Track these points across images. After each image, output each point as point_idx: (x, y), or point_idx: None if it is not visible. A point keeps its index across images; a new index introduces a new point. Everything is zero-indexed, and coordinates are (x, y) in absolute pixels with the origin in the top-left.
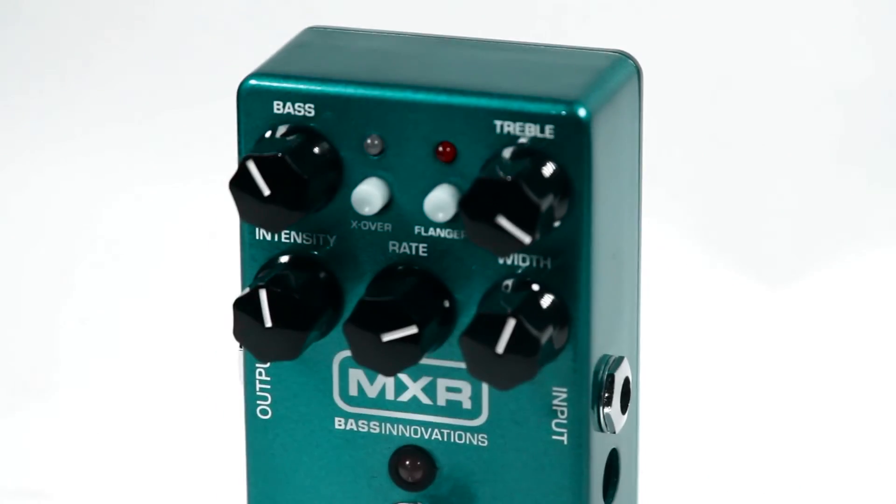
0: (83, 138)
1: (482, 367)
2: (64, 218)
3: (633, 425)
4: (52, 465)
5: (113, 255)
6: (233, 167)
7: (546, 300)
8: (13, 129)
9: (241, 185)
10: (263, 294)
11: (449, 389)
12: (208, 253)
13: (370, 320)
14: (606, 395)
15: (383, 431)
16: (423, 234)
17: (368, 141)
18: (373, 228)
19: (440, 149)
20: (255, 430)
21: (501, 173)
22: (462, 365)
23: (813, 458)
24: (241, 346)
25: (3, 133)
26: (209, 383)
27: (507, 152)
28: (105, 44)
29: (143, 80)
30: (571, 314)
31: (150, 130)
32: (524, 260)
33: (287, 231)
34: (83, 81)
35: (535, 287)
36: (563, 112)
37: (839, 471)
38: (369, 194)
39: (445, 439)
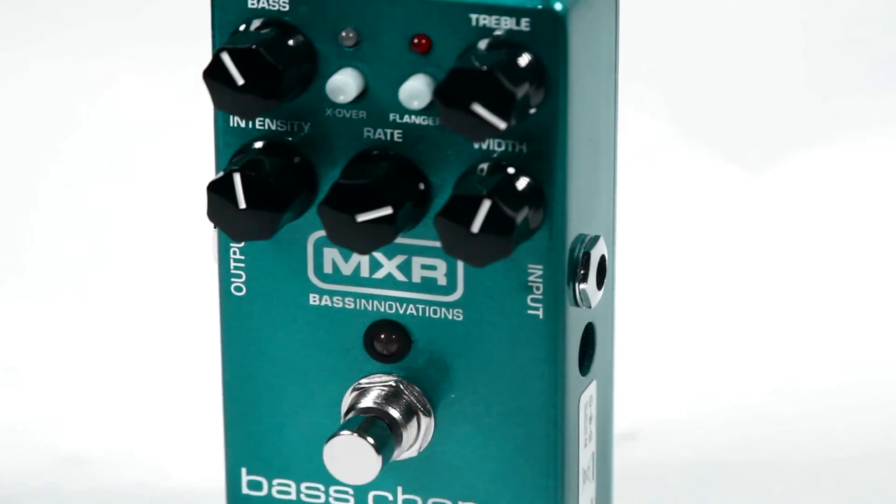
0: (59, 34)
1: (457, 245)
2: (44, 108)
3: (609, 301)
4: (23, 341)
5: (90, 144)
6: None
7: (521, 182)
8: None
9: (214, 75)
10: (237, 177)
11: (424, 267)
12: (183, 142)
13: (345, 202)
14: (582, 272)
15: (358, 307)
16: (398, 120)
17: (343, 34)
18: (347, 116)
19: (415, 41)
20: (230, 307)
21: (477, 63)
22: (437, 244)
23: (784, 335)
24: (215, 227)
25: None
26: (184, 264)
27: (482, 44)
28: None
29: None
30: (547, 196)
31: (126, 25)
32: (500, 145)
33: (261, 118)
34: None
35: (511, 170)
36: (540, 6)
37: (814, 348)
38: (344, 84)
39: (421, 314)
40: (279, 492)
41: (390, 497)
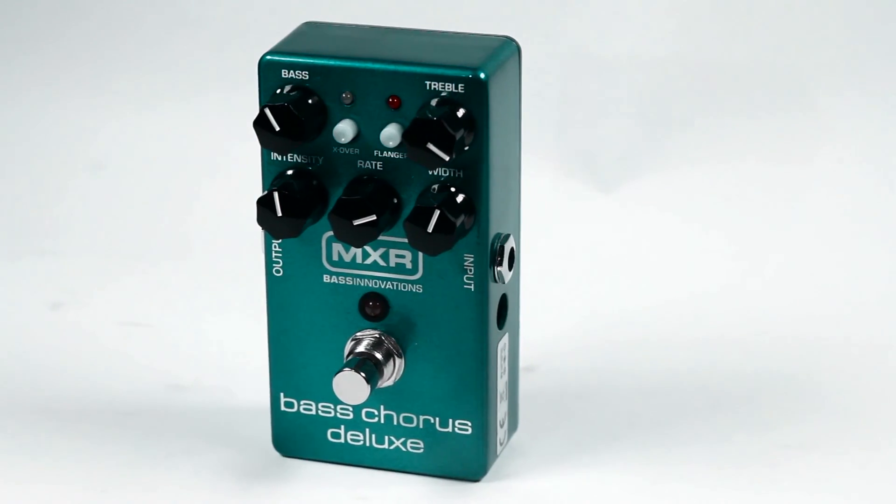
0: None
1: (418, 241)
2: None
3: (516, 279)
4: (142, 299)
5: (156, 172)
6: (255, 113)
7: (460, 197)
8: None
9: (261, 124)
10: (276, 195)
11: (397, 255)
12: (240, 171)
13: (345, 211)
14: (499, 258)
15: (355, 283)
16: (379, 155)
17: (344, 95)
18: (347, 152)
19: (390, 100)
20: (273, 283)
21: (430, 115)
22: (405, 240)
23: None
24: (262, 229)
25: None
26: (247, 254)
27: (433, 101)
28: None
29: (207, 62)
30: (476, 207)
31: (204, 86)
32: (445, 171)
33: (291, 154)
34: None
35: (453, 189)
36: (470, 75)
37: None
38: (344, 130)
39: (395, 288)
40: (304, 408)
41: (376, 412)
